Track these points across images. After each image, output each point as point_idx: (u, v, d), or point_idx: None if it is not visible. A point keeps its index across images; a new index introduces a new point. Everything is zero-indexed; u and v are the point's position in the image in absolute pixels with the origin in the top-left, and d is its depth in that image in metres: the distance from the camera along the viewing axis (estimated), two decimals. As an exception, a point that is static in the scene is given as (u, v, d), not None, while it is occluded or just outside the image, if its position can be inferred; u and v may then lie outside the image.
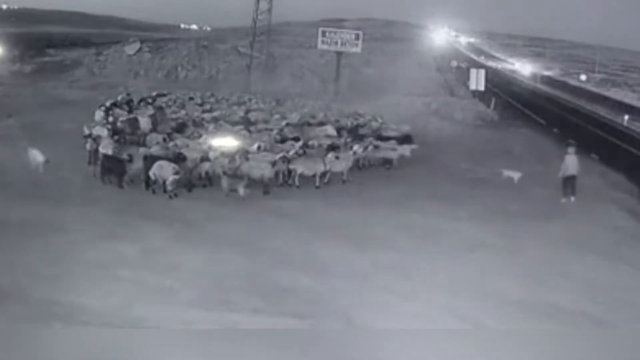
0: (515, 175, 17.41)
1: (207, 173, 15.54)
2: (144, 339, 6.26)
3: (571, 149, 16.40)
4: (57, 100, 30.31)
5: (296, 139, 18.31)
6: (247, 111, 25.25)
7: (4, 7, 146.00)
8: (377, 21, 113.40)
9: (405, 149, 19.00)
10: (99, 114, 21.39)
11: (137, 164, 14.96)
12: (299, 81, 46.96)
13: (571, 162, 16.16)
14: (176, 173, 14.27)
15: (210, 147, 16.35)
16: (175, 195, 14.39)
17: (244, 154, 15.70)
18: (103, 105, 23.25)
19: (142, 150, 15.87)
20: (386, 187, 16.38)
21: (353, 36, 39.18)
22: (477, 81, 37.71)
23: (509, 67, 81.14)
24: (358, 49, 39.32)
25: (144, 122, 19.92)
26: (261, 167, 15.28)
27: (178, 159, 15.03)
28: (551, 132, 29.48)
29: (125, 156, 15.14)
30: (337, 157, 16.53)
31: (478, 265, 10.73)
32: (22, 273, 9.41)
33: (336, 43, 38.73)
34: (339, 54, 39.27)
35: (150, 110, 22.86)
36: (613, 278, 10.63)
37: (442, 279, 10.04)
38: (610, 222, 14.19)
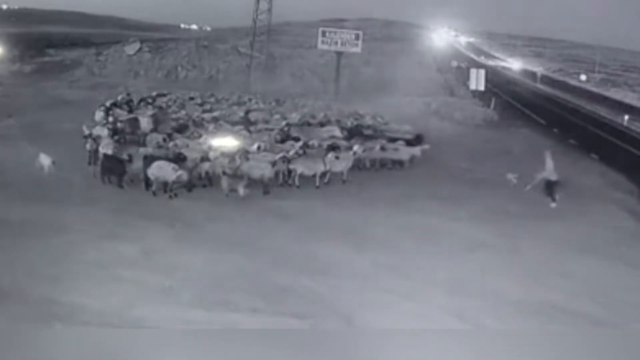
0: (513, 177, 17.06)
1: (207, 173, 15.54)
2: (144, 339, 6.26)
3: (548, 153, 16.06)
4: (57, 100, 30.29)
5: (296, 139, 18.30)
6: (247, 111, 25.25)
7: (4, 7, 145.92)
8: (377, 21, 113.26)
9: (416, 150, 18.92)
10: (98, 114, 21.39)
11: (137, 164, 14.96)
12: (299, 81, 46.93)
13: (551, 167, 15.73)
14: (179, 170, 14.30)
15: (210, 147, 16.35)
16: (175, 195, 14.39)
17: (244, 154, 15.70)
18: (103, 105, 23.25)
19: (142, 150, 15.87)
20: (386, 187, 16.37)
21: (353, 36, 39.15)
22: (477, 81, 37.70)
23: (502, 64, 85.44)
24: (358, 49, 39.30)
25: (145, 122, 19.92)
26: (261, 167, 15.28)
27: (178, 159, 15.04)
28: (551, 132, 29.48)
29: (125, 156, 15.14)
30: (337, 157, 16.54)
31: (478, 265, 10.73)
32: (22, 273, 9.42)
33: (336, 43, 38.70)
34: (339, 54, 39.25)
35: (151, 110, 22.86)
36: (613, 278, 10.64)
37: (442, 279, 10.04)
38: (610, 222, 14.18)
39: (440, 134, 26.01)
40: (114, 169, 15.11)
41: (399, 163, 18.73)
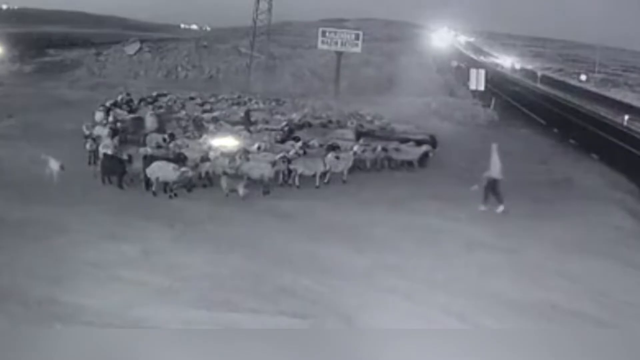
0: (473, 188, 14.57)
1: (207, 173, 15.54)
2: (144, 339, 6.27)
3: (495, 146, 14.40)
4: (57, 100, 30.30)
5: (296, 139, 18.29)
6: (248, 111, 25.28)
7: (4, 7, 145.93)
8: (377, 21, 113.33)
9: (421, 150, 18.82)
10: (98, 114, 21.40)
11: (137, 164, 14.96)
12: (299, 81, 46.94)
13: (495, 163, 14.23)
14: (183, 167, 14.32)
15: (210, 147, 16.36)
16: (175, 195, 14.40)
17: (244, 154, 15.71)
18: (103, 105, 23.26)
19: (142, 150, 15.87)
20: (386, 187, 16.37)
21: (353, 36, 39.16)
22: (477, 81, 37.71)
23: (495, 61, 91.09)
24: (358, 49, 39.31)
25: (149, 122, 19.88)
26: (261, 167, 15.29)
27: (178, 159, 15.04)
28: (551, 132, 29.50)
29: (125, 156, 15.14)
30: (337, 157, 16.54)
31: (478, 266, 10.73)
32: (22, 273, 9.42)
33: (336, 43, 38.71)
34: (339, 54, 39.26)
35: (154, 110, 22.84)
36: (613, 278, 10.63)
37: (442, 279, 10.04)
38: (610, 222, 14.17)
39: (440, 134, 26.01)
40: (114, 169, 15.12)
41: (409, 163, 18.64)
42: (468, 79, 40.25)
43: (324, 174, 16.31)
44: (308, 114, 25.52)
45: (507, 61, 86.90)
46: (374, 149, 18.09)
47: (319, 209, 13.90)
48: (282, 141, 18.43)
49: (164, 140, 17.01)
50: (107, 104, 23.67)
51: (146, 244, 10.99)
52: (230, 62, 51.02)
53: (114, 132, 17.81)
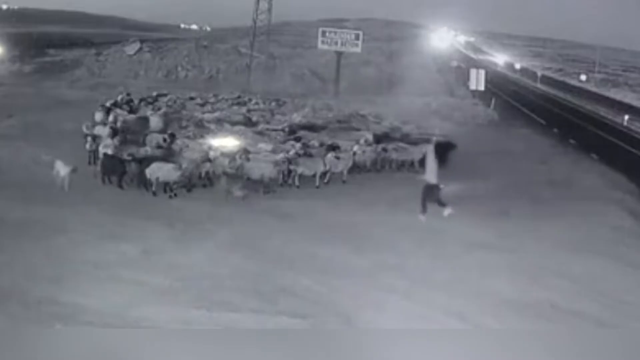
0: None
1: (207, 173, 15.54)
2: (144, 339, 6.26)
3: (430, 146, 13.38)
4: (57, 100, 30.26)
5: (297, 139, 18.28)
6: (249, 111, 25.27)
7: (4, 7, 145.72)
8: (377, 21, 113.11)
9: (422, 150, 18.66)
10: (98, 114, 21.37)
11: (137, 164, 14.94)
12: (299, 81, 46.93)
13: (431, 166, 13.11)
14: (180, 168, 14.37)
15: (210, 147, 16.36)
16: (175, 195, 14.40)
17: (245, 153, 15.71)
18: (103, 105, 23.24)
19: (142, 150, 15.86)
20: (386, 187, 16.37)
21: (353, 36, 39.17)
22: (477, 81, 37.73)
23: (490, 59, 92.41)
24: (358, 49, 39.32)
25: (155, 122, 19.82)
26: (261, 167, 15.31)
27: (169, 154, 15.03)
28: (551, 132, 29.49)
29: (125, 156, 15.13)
30: (337, 158, 16.54)
31: (477, 266, 10.74)
32: (22, 273, 9.42)
33: (336, 43, 38.72)
34: (339, 54, 39.26)
35: (157, 110, 22.81)
36: (613, 278, 10.63)
37: (442, 279, 10.04)
38: (610, 222, 14.17)
39: (440, 133, 26.00)
40: (114, 169, 15.12)
41: (410, 164, 18.44)
42: (468, 79, 40.29)
43: (324, 174, 16.32)
44: (308, 114, 25.40)
45: (501, 59, 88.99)
46: (375, 149, 18.06)
47: (319, 209, 13.91)
48: (283, 141, 18.34)
49: (164, 140, 17.01)
50: (107, 104, 23.63)
51: (146, 243, 11.00)
52: (230, 62, 51.00)
53: (114, 132, 17.80)
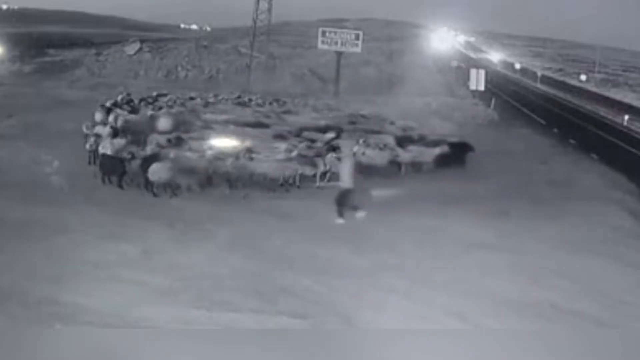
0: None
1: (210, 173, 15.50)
2: (144, 339, 6.26)
3: (346, 150, 13.24)
4: (57, 100, 30.29)
5: (312, 141, 18.21)
6: (253, 112, 25.22)
7: (4, 7, 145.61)
8: (377, 21, 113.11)
9: (436, 151, 18.68)
10: (99, 114, 21.36)
11: (137, 164, 14.93)
12: (299, 81, 46.96)
13: (344, 170, 13.02)
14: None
15: (211, 147, 16.34)
16: (175, 195, 14.40)
17: (247, 153, 15.71)
18: (103, 105, 23.23)
19: (148, 149, 15.83)
20: (386, 187, 16.35)
21: (353, 36, 39.20)
22: (477, 81, 37.76)
23: (486, 57, 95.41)
24: (358, 49, 39.35)
25: (164, 122, 19.74)
26: (263, 167, 15.33)
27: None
28: (551, 132, 29.50)
29: (126, 156, 15.13)
30: (337, 158, 16.51)
31: (477, 266, 10.73)
32: (22, 273, 9.41)
33: (336, 43, 38.75)
34: (339, 54, 39.28)
35: (173, 110, 22.79)
36: (612, 278, 10.63)
37: (442, 279, 10.04)
38: (610, 222, 14.17)
39: (440, 133, 26.01)
40: (114, 169, 15.12)
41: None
42: (468, 79, 40.32)
43: (324, 174, 16.31)
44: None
45: (501, 59, 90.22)
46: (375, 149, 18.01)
47: (319, 209, 13.90)
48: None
49: (169, 141, 16.91)
50: (107, 104, 23.62)
51: (146, 243, 10.99)
52: (230, 62, 51.04)
53: (114, 132, 17.79)
